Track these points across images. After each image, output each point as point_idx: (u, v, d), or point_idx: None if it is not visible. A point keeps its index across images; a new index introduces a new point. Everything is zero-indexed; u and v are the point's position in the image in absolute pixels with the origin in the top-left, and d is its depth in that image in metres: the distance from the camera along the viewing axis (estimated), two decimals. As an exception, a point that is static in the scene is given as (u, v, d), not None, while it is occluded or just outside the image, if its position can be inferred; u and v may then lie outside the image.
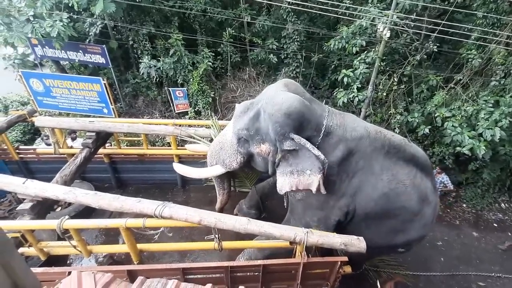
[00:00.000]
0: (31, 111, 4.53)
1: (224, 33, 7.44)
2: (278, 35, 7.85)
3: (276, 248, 2.84)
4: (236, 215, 4.18)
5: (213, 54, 7.56)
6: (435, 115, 5.84)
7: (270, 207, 4.30)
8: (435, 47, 5.91)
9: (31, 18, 5.37)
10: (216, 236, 2.36)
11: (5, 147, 4.74)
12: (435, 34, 5.64)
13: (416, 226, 3.11)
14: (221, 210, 3.67)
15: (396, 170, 2.90)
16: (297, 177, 2.71)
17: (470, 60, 5.73)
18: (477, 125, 5.33)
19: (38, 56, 7.08)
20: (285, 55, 7.74)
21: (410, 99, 6.75)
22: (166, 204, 2.25)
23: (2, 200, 5.04)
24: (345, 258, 2.45)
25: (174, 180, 5.22)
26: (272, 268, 2.45)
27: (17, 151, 4.87)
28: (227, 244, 2.56)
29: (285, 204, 3.21)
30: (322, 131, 2.72)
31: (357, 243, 2.20)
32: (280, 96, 2.65)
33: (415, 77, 6.71)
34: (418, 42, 6.18)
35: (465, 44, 5.88)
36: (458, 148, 5.45)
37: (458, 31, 5.19)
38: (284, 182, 2.79)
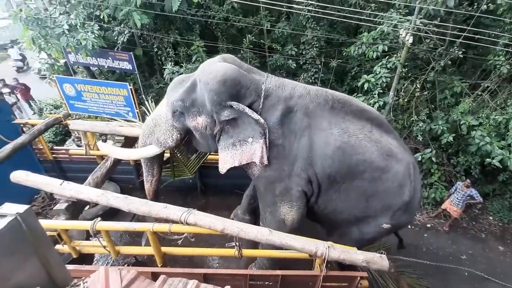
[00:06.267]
0: (66, 115, 4.86)
1: (244, 39, 7.59)
2: (297, 41, 7.89)
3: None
4: (232, 219, 4.19)
5: (233, 60, 7.72)
6: (461, 123, 5.64)
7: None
8: (460, 52, 5.72)
9: (66, 32, 5.76)
10: (237, 244, 2.44)
11: (41, 147, 5.10)
12: (460, 40, 5.46)
13: (389, 187, 2.83)
14: (155, 198, 3.40)
15: (346, 124, 2.76)
16: (239, 148, 2.63)
17: (498, 66, 5.50)
18: (507, 135, 5.11)
19: (71, 62, 7.56)
20: (304, 60, 7.76)
21: (433, 105, 6.56)
22: (191, 211, 2.37)
23: (36, 196, 5.42)
24: (365, 274, 2.42)
25: (195, 184, 5.38)
26: (290, 279, 2.47)
27: (51, 151, 5.21)
28: (246, 252, 2.63)
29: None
30: (262, 95, 2.66)
31: (379, 261, 2.16)
32: (214, 65, 2.63)
33: (439, 83, 6.52)
34: (442, 48, 6.00)
35: (493, 50, 5.65)
36: (488, 160, 5.24)
37: (484, 38, 5.00)
38: (226, 157, 2.69)
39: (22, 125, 4.98)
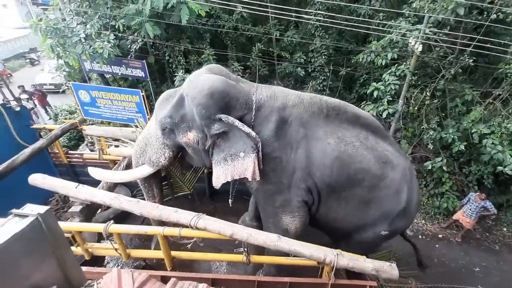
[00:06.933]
0: (81, 120, 5.05)
1: (253, 47, 7.72)
2: (306, 49, 7.98)
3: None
4: None
5: (242, 67, 7.85)
6: (472, 131, 5.56)
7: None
8: (471, 61, 5.67)
9: (83, 40, 6.01)
10: (245, 249, 2.46)
11: (57, 151, 5.28)
12: (470, 49, 5.42)
13: (387, 194, 2.80)
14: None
15: (342, 133, 2.70)
16: (231, 163, 2.54)
17: (509, 74, 5.43)
18: (519, 143, 5.01)
19: (86, 70, 7.84)
20: (313, 68, 7.83)
21: (444, 114, 6.48)
22: (201, 216, 2.41)
23: (50, 199, 5.57)
24: (374, 283, 2.40)
25: (203, 189, 5.44)
26: (298, 286, 2.46)
27: (66, 155, 5.38)
28: (254, 258, 2.64)
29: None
30: (254, 107, 2.55)
31: (389, 269, 2.13)
32: (201, 78, 2.53)
33: (449, 91, 6.45)
34: (452, 56, 5.97)
35: (503, 59, 5.59)
36: (499, 168, 5.13)
37: (494, 46, 4.96)
38: (219, 173, 2.60)
39: (39, 130, 5.18)
